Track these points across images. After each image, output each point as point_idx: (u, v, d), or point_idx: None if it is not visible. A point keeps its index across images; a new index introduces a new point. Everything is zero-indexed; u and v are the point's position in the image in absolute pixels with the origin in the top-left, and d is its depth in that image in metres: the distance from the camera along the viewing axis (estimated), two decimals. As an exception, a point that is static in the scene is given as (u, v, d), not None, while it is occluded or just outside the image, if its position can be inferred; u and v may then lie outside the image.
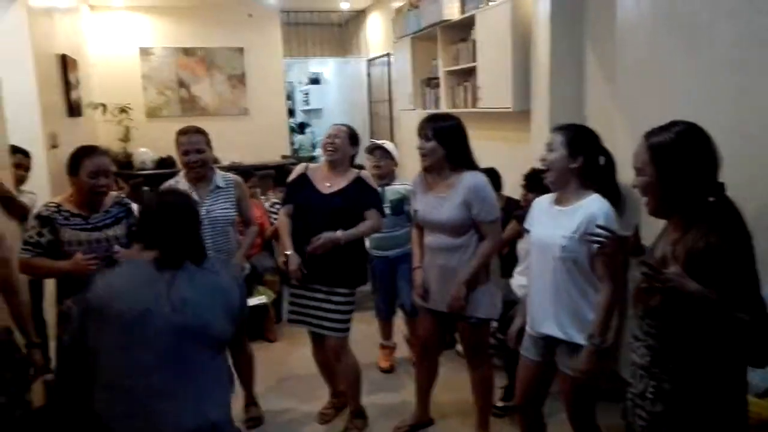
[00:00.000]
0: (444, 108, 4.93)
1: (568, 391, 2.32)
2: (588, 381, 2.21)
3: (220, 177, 3.06)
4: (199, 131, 3.00)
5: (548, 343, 2.34)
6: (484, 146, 4.65)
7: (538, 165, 2.45)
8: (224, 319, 1.88)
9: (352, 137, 3.04)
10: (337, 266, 2.94)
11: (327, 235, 2.83)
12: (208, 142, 3.01)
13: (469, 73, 4.60)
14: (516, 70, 3.85)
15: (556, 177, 2.26)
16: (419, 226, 2.92)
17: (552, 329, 2.28)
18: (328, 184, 2.97)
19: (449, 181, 2.73)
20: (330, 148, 2.97)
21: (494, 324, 3.28)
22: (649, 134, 1.69)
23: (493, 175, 3.60)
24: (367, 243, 3.65)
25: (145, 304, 1.78)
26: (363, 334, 3.98)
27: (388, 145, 3.97)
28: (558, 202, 2.31)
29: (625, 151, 2.14)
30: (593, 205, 2.19)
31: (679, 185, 1.62)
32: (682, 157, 1.61)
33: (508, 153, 4.25)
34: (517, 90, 3.86)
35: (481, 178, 2.74)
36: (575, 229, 2.18)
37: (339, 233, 2.84)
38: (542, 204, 2.41)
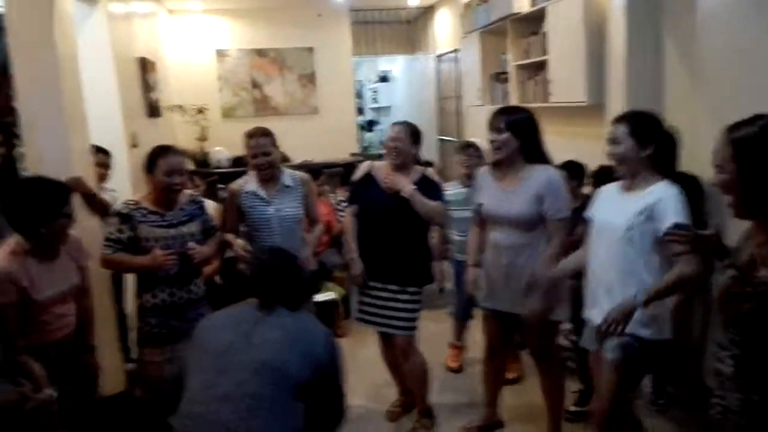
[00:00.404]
0: (513, 103, 4.81)
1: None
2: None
3: (288, 176, 3.09)
4: (266, 133, 3.02)
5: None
6: (556, 142, 4.49)
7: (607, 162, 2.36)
8: (302, 363, 1.91)
9: (414, 135, 2.97)
10: (404, 265, 2.94)
11: (402, 180, 2.86)
12: (274, 143, 3.04)
13: (540, 67, 4.47)
14: (590, 62, 3.71)
15: (627, 169, 2.21)
16: (480, 223, 2.85)
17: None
18: (408, 186, 2.93)
19: (521, 174, 2.65)
20: (393, 153, 2.94)
21: (568, 326, 3.19)
22: (731, 128, 1.58)
23: (576, 168, 3.48)
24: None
25: (232, 337, 1.92)
26: (431, 332, 3.95)
27: (481, 143, 3.85)
28: (626, 189, 2.26)
29: (707, 145, 2.01)
30: (662, 189, 2.13)
31: (764, 183, 1.51)
32: (767, 153, 1.50)
33: (581, 148, 4.10)
34: (591, 83, 3.72)
35: (555, 173, 2.66)
36: (641, 210, 2.13)
37: (413, 188, 2.86)
38: (608, 191, 2.35)
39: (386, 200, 2.91)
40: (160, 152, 2.65)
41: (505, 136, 2.61)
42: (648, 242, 2.14)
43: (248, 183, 3.08)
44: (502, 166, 2.70)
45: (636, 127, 2.17)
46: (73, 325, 2.41)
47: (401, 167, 2.96)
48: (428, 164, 5.91)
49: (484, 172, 2.83)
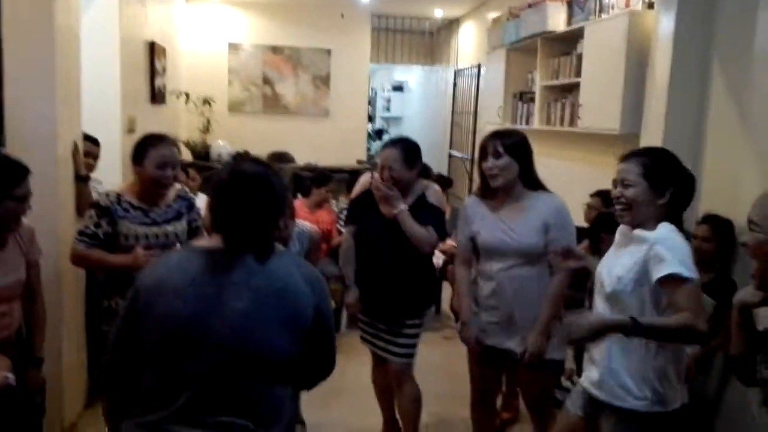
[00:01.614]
0: (537, 125, 4.58)
1: None
2: None
3: (296, 234, 2.89)
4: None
5: (593, 400, 1.99)
6: (580, 170, 4.28)
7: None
8: (286, 336, 1.44)
9: (409, 156, 2.63)
10: (404, 299, 2.70)
11: (394, 194, 2.59)
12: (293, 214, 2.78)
13: (569, 90, 4.23)
14: (627, 88, 3.45)
15: (635, 217, 1.87)
16: (467, 260, 2.57)
17: (597, 387, 1.94)
18: (401, 206, 2.65)
19: (522, 204, 2.40)
20: (389, 182, 2.61)
21: (571, 366, 2.95)
22: None
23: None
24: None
25: (192, 307, 1.39)
26: (425, 358, 3.65)
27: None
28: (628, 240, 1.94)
29: (751, 191, 1.75)
30: (654, 236, 1.81)
31: None
32: None
33: (606, 178, 3.85)
34: (627, 111, 3.46)
35: (561, 201, 2.42)
36: (630, 266, 1.84)
37: (402, 206, 2.59)
38: (621, 229, 2.02)
39: (382, 226, 2.65)
40: (152, 142, 2.37)
41: (505, 160, 2.36)
42: (643, 305, 1.83)
43: None
44: (497, 194, 2.45)
45: (652, 168, 1.83)
46: (14, 328, 2.11)
47: (400, 190, 2.66)
48: (442, 177, 5.68)
49: (473, 201, 2.57)
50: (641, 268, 1.80)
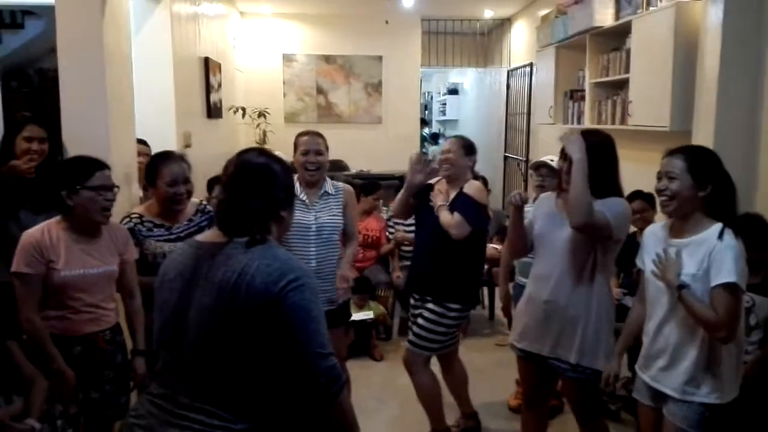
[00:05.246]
0: (587, 123, 4.47)
1: None
2: None
3: (329, 183, 2.89)
4: (320, 135, 2.86)
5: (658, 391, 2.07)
6: (631, 168, 4.13)
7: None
8: (234, 332, 1.36)
9: (466, 147, 2.92)
10: (443, 278, 2.84)
11: (438, 196, 2.89)
12: (326, 147, 2.85)
13: (620, 86, 4.11)
14: (677, 84, 3.33)
15: (678, 207, 1.98)
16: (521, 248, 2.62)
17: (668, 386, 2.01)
18: (440, 201, 2.91)
19: None
20: (445, 165, 2.89)
21: (626, 374, 2.84)
22: None
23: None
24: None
25: (174, 301, 1.43)
26: (476, 366, 3.63)
27: (556, 162, 3.42)
28: (675, 233, 2.03)
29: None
30: (718, 237, 1.91)
31: None
32: None
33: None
34: (677, 107, 3.34)
35: (622, 202, 2.30)
36: (698, 265, 1.92)
37: (440, 203, 2.83)
38: (655, 234, 2.13)
39: (430, 217, 2.87)
40: (160, 160, 2.47)
41: None
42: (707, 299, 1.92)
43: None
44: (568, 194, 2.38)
45: (695, 163, 1.97)
46: (109, 325, 2.26)
47: (454, 180, 2.89)
48: (482, 179, 5.62)
49: (547, 197, 2.54)
50: (706, 267, 1.90)
